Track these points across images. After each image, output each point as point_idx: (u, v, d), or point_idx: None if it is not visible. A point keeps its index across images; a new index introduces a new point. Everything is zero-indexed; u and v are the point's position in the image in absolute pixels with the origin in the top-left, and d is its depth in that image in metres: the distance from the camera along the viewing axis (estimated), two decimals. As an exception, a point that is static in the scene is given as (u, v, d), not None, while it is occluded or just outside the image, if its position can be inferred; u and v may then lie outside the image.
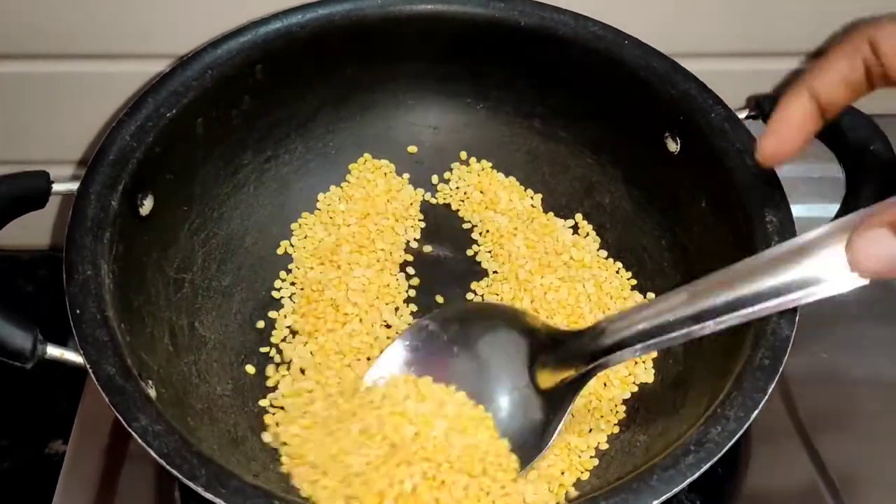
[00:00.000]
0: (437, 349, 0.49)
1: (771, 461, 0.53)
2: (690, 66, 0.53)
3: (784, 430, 0.55)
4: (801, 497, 0.52)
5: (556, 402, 0.46)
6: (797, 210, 0.47)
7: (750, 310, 0.39)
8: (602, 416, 0.51)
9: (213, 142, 0.54)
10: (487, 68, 0.59)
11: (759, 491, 0.52)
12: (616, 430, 0.50)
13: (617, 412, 0.51)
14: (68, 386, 0.56)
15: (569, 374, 0.45)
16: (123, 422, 0.38)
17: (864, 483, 0.53)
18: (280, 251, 0.58)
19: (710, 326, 0.40)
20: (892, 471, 0.53)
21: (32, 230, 0.65)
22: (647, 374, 0.52)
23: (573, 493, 0.46)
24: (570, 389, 0.45)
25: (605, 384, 0.52)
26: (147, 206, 0.49)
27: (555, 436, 0.46)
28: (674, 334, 0.41)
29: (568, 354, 0.46)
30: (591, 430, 0.50)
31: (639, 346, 0.42)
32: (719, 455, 0.38)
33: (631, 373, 0.52)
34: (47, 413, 0.58)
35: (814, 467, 0.53)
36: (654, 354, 0.53)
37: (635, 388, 0.52)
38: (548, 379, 0.47)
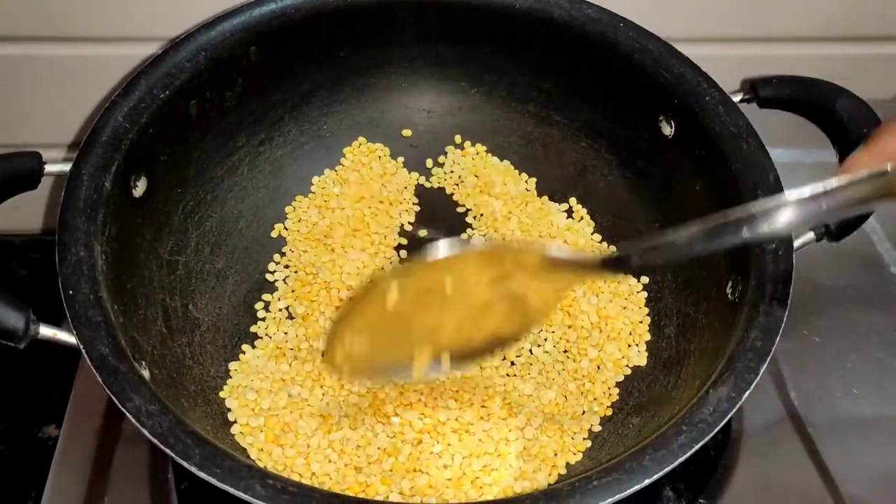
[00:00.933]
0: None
1: (763, 446, 0.53)
2: (685, 50, 0.53)
3: (776, 414, 0.55)
4: (793, 480, 0.52)
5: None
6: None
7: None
8: (595, 399, 0.51)
9: (206, 124, 0.54)
10: (482, 52, 0.59)
11: (752, 474, 0.52)
12: (609, 412, 0.50)
13: (610, 395, 0.51)
14: (62, 371, 0.56)
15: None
16: (117, 402, 0.38)
17: (857, 468, 0.52)
18: (274, 234, 0.58)
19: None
20: (884, 456, 0.53)
21: (24, 214, 0.65)
22: (640, 358, 0.52)
23: (565, 473, 0.47)
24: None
25: (598, 367, 0.52)
26: (140, 187, 0.49)
27: None
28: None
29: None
30: (583, 413, 0.50)
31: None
32: (711, 435, 0.38)
33: (624, 356, 0.52)
34: (41, 398, 0.58)
35: (805, 451, 0.53)
36: (648, 337, 0.53)
37: (628, 371, 0.52)
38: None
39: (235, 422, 0.48)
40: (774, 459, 0.53)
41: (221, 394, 0.50)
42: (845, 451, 0.53)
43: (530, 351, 0.53)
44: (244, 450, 0.47)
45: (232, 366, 0.51)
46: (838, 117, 0.49)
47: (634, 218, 0.57)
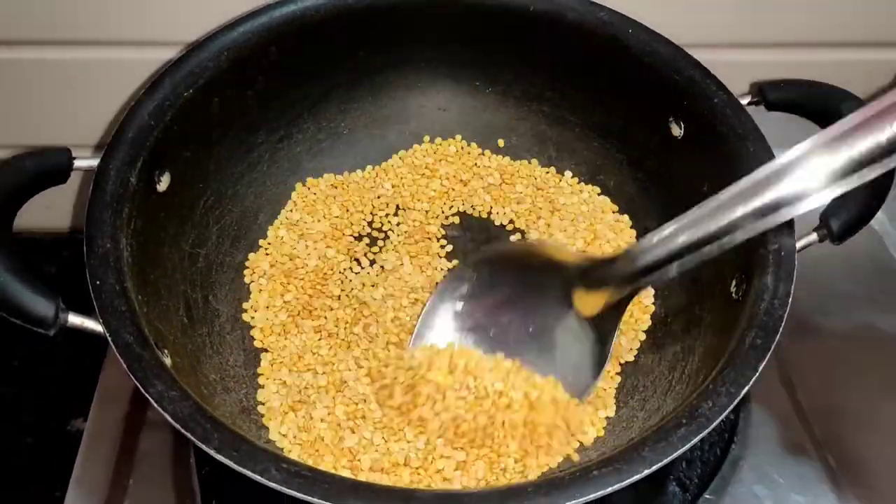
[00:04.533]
0: (475, 305, 0.53)
1: (770, 445, 0.54)
2: (695, 55, 0.54)
3: (784, 414, 0.56)
4: (800, 480, 0.53)
5: (603, 325, 0.49)
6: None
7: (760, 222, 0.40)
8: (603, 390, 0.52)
9: (228, 121, 0.55)
10: (496, 53, 0.60)
11: (758, 474, 0.53)
12: (614, 411, 0.51)
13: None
14: (90, 366, 0.58)
15: (610, 296, 0.48)
16: (140, 387, 0.40)
17: (866, 469, 0.54)
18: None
19: (738, 237, 0.41)
20: (892, 458, 0.54)
21: (55, 212, 0.67)
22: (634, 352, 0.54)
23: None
24: (614, 311, 0.49)
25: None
26: (164, 182, 0.51)
27: (609, 357, 0.49)
28: (705, 250, 0.42)
29: (606, 279, 0.48)
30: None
31: (673, 265, 0.44)
32: (709, 428, 0.39)
33: (632, 348, 0.54)
34: (70, 392, 0.60)
35: (814, 452, 0.54)
36: (643, 337, 0.54)
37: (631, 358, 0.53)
38: (589, 305, 0.49)
39: (257, 406, 0.50)
40: (781, 459, 0.54)
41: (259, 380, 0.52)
42: (853, 453, 0.54)
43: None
44: (260, 435, 0.49)
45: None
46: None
47: (644, 218, 0.58)
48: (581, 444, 0.49)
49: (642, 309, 0.55)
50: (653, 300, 0.56)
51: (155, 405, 0.40)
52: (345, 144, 0.62)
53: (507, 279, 0.53)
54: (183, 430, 0.39)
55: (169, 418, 0.39)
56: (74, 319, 0.43)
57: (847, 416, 0.56)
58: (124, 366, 0.41)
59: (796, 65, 0.61)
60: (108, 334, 0.42)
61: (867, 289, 0.62)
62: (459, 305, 0.53)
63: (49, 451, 0.58)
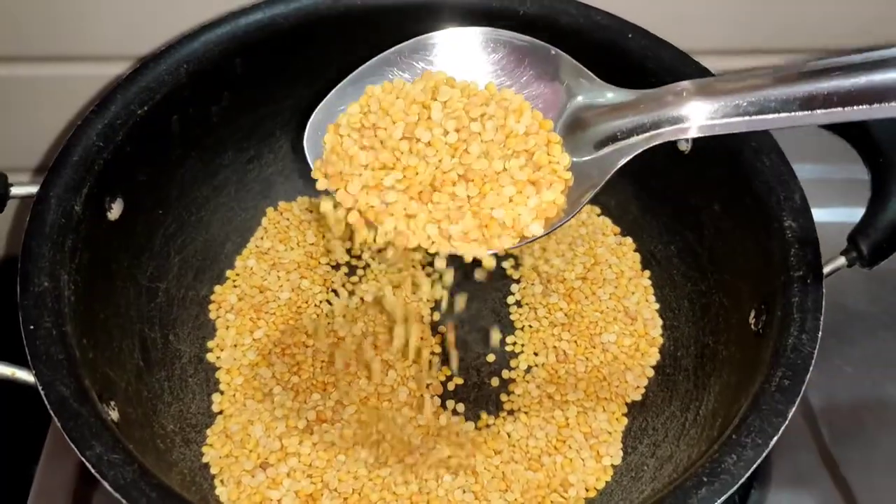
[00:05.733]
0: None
1: (792, 485, 0.50)
2: (702, 62, 0.50)
3: (806, 450, 0.51)
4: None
5: (594, 167, 0.39)
6: (818, 215, 0.43)
7: (866, 107, 0.32)
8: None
9: (190, 141, 0.51)
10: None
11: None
12: (621, 457, 0.47)
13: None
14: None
15: (620, 137, 0.38)
16: (76, 449, 0.35)
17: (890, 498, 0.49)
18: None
19: (819, 117, 0.33)
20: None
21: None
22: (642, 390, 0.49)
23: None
24: (614, 156, 0.38)
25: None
26: (116, 210, 0.46)
27: (584, 203, 0.39)
28: (771, 116, 0.34)
29: (628, 113, 0.38)
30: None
31: (723, 121, 0.35)
32: (734, 488, 0.35)
33: (639, 387, 0.49)
34: (30, 438, 0.54)
35: (838, 492, 0.49)
36: (651, 373, 0.49)
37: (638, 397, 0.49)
38: (587, 139, 0.40)
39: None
40: (803, 496, 0.50)
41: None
42: (880, 493, 0.50)
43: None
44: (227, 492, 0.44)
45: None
46: (869, 130, 0.45)
47: (648, 239, 0.54)
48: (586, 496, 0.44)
49: (649, 341, 0.51)
50: (661, 331, 0.51)
51: (92, 471, 0.35)
52: (320, 164, 0.57)
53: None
54: (124, 501, 0.34)
55: (108, 486, 0.35)
56: (4, 370, 0.38)
57: (875, 453, 0.51)
58: (58, 424, 0.36)
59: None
60: (40, 387, 0.37)
61: (890, 312, 0.57)
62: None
63: (8, 499, 0.53)
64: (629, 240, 0.55)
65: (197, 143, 0.51)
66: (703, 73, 0.49)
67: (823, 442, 0.51)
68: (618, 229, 0.55)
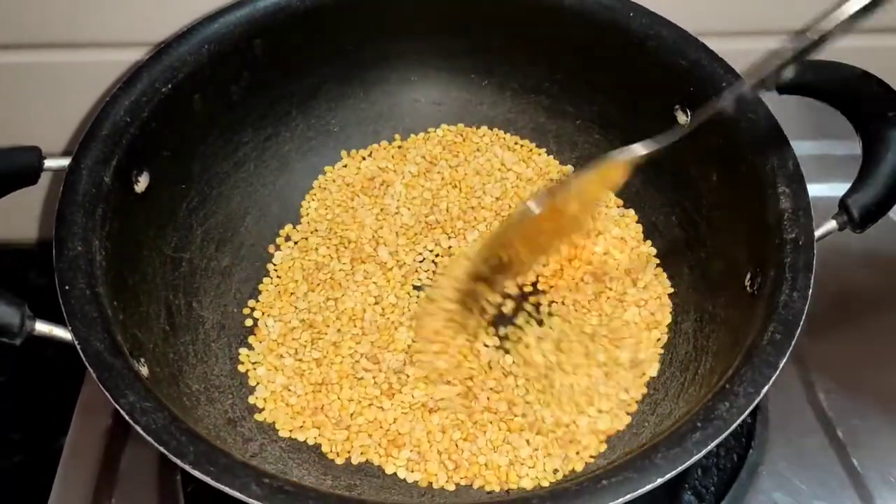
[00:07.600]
0: None
1: (790, 452, 0.52)
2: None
3: (804, 419, 0.53)
4: (822, 488, 0.50)
5: None
6: (811, 189, 0.45)
7: None
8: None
9: (211, 119, 0.53)
10: (492, 43, 0.57)
11: (778, 481, 0.51)
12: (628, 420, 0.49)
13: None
14: (78, 384, 0.55)
15: None
16: (111, 398, 0.37)
17: (891, 475, 0.51)
18: (282, 233, 0.57)
19: None
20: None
21: (22, 221, 0.64)
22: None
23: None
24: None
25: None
26: (142, 183, 0.48)
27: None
28: None
29: None
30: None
31: None
32: (727, 432, 0.37)
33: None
34: (59, 410, 0.57)
35: (836, 458, 0.51)
36: (664, 340, 0.51)
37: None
38: None
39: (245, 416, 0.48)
40: (801, 464, 0.51)
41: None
42: (878, 459, 0.51)
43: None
44: (247, 448, 0.46)
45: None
46: (860, 100, 0.46)
47: (650, 210, 0.56)
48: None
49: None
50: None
51: (126, 417, 0.37)
52: (335, 142, 0.59)
53: None
54: (155, 444, 0.36)
55: (141, 431, 0.37)
56: (42, 327, 0.40)
57: (873, 421, 0.53)
58: (94, 375, 0.38)
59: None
60: (76, 342, 0.39)
61: (893, 287, 0.59)
62: None
63: (36, 468, 0.55)
64: (631, 211, 0.57)
65: (218, 120, 0.53)
66: (703, 50, 0.51)
67: (822, 409, 0.53)
68: (620, 201, 0.57)
